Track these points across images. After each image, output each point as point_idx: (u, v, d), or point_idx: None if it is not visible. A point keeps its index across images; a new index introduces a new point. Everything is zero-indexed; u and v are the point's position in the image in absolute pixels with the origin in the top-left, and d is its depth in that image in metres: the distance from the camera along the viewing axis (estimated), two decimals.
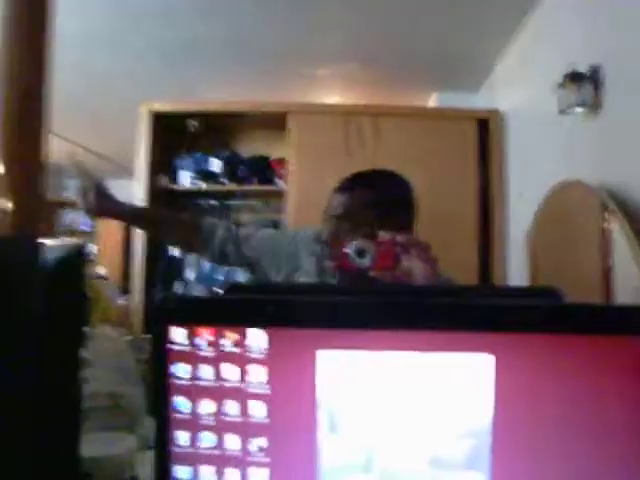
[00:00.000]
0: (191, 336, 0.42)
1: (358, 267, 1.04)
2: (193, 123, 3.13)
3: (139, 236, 3.00)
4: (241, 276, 2.89)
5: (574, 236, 2.02)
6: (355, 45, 2.98)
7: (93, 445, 0.69)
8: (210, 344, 0.42)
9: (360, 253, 1.03)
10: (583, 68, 1.97)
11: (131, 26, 2.77)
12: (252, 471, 0.43)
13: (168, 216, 1.73)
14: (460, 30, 2.77)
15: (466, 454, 0.42)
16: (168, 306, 0.43)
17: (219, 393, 0.42)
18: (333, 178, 2.49)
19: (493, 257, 2.90)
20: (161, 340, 0.42)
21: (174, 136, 3.31)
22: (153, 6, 2.59)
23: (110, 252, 6.51)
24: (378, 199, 1.30)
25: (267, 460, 0.42)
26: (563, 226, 2.11)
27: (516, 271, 2.65)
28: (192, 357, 0.42)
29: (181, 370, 0.42)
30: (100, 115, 4.38)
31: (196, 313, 0.43)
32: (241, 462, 0.43)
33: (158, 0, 2.55)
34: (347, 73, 3.34)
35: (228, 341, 0.42)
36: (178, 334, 0.42)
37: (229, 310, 0.42)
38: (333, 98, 3.73)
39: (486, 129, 3.03)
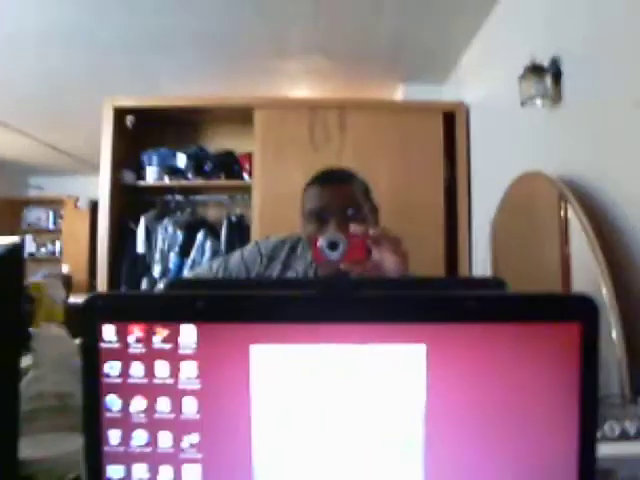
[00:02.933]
0: (121, 333, 0.42)
1: (329, 259, 1.04)
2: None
3: (104, 233, 2.96)
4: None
5: (535, 226, 2.05)
6: (320, 38, 2.97)
7: (38, 446, 0.68)
8: (140, 341, 0.41)
9: (331, 246, 1.04)
10: (544, 60, 2.00)
11: (93, 19, 2.72)
12: (185, 468, 0.42)
13: None
14: (426, 22, 2.78)
15: (400, 444, 0.42)
16: (97, 304, 0.42)
17: (150, 390, 0.42)
18: (299, 172, 2.50)
19: (459, 248, 2.94)
20: (91, 338, 0.42)
21: (139, 131, 3.26)
22: None
23: (75, 250, 6.40)
24: (353, 195, 1.31)
25: (200, 456, 0.42)
26: (525, 217, 2.14)
27: (481, 261, 2.68)
28: (123, 355, 0.42)
29: (112, 368, 0.42)
30: (63, 111, 4.30)
31: (126, 310, 0.42)
32: (174, 459, 0.42)
33: None
34: (313, 67, 3.33)
35: (159, 338, 0.41)
36: (108, 332, 0.42)
37: (159, 306, 0.42)
38: (300, 92, 3.72)
39: (452, 121, 3.06)
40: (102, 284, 2.90)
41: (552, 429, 0.41)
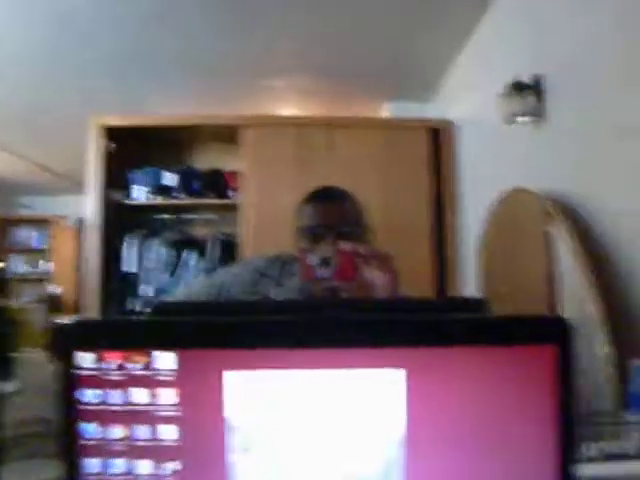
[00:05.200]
0: (98, 360, 0.41)
1: (319, 277, 1.04)
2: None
3: (92, 252, 2.94)
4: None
5: (521, 242, 2.07)
6: (307, 57, 3.00)
7: (21, 474, 0.67)
8: (118, 368, 0.41)
9: (323, 263, 1.04)
10: (527, 78, 2.02)
11: (78, 40, 2.73)
12: None
13: None
14: (411, 40, 2.81)
15: (380, 468, 0.42)
16: (74, 331, 0.42)
17: (128, 417, 0.41)
18: (287, 190, 2.50)
19: (447, 265, 2.95)
20: (67, 365, 0.41)
21: (126, 151, 3.26)
22: (101, 19, 2.55)
23: (64, 269, 6.35)
24: (348, 213, 1.32)
25: None
26: (511, 232, 2.16)
27: (470, 277, 2.69)
28: (100, 381, 0.41)
29: (89, 395, 0.41)
30: (51, 129, 4.30)
31: (103, 337, 0.42)
32: None
33: (106, 13, 2.51)
34: (300, 85, 3.36)
35: (136, 364, 0.41)
36: (85, 359, 0.41)
37: (136, 333, 0.42)
38: (287, 110, 3.74)
39: (438, 138, 3.08)
40: (90, 304, 2.87)
41: (531, 450, 0.42)
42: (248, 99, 3.51)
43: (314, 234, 1.28)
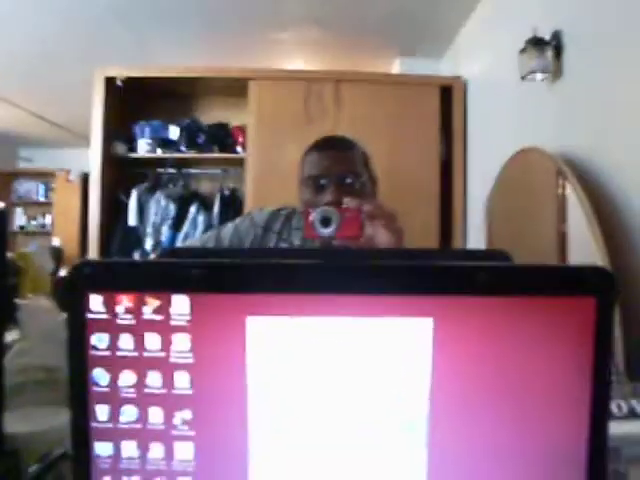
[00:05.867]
0: (109, 303, 0.39)
1: (321, 235, 1.00)
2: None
3: (95, 206, 2.91)
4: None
5: (532, 202, 2.03)
6: (317, 10, 2.90)
7: (24, 421, 0.66)
8: (130, 312, 0.39)
9: (324, 221, 1.00)
10: (545, 34, 1.95)
11: None
12: (177, 446, 0.40)
13: None
14: None
15: (403, 423, 0.40)
16: (84, 272, 0.39)
17: (140, 364, 0.39)
18: (293, 146, 2.45)
19: (454, 222, 2.92)
20: (77, 308, 0.39)
21: (131, 103, 3.19)
22: None
23: (66, 223, 6.34)
24: (353, 162, 1.29)
25: (192, 434, 0.40)
26: (522, 193, 2.12)
27: (475, 236, 2.67)
28: (111, 326, 0.39)
29: (99, 340, 0.39)
30: (55, 82, 4.21)
31: (114, 279, 0.39)
32: (165, 437, 0.40)
33: None
34: (310, 38, 3.26)
35: (149, 308, 0.39)
36: (95, 302, 0.39)
37: (149, 275, 0.39)
38: (296, 64, 3.65)
39: (449, 96, 3.01)
40: (94, 257, 2.86)
41: (563, 408, 0.40)
42: (256, 52, 3.42)
43: (317, 184, 1.25)
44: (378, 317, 0.39)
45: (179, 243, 2.93)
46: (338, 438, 0.40)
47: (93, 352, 0.39)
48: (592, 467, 0.39)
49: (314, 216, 1.00)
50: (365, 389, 0.40)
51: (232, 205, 3.12)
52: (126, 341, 0.39)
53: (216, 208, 3.12)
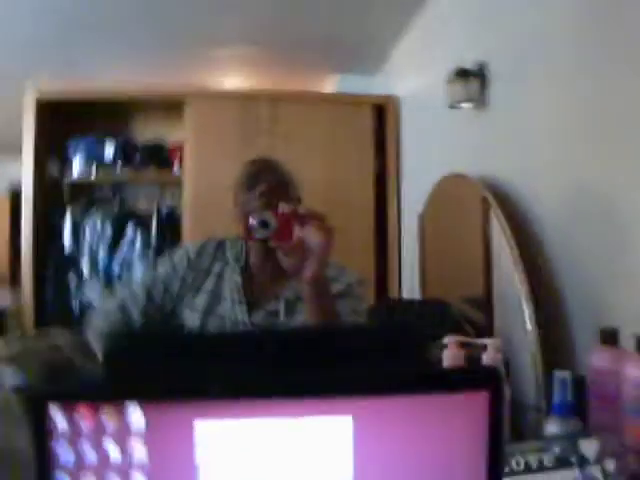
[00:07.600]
0: (69, 414, 0.43)
1: (259, 237, 1.16)
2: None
3: (28, 228, 2.84)
4: (139, 268, 2.83)
5: (459, 224, 2.16)
6: (253, 27, 2.94)
7: None
8: (88, 421, 0.43)
9: (263, 224, 1.14)
10: (470, 64, 2.05)
11: (23, 6, 2.57)
12: None
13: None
14: (357, 12, 2.76)
15: None
16: (46, 385, 0.43)
17: (100, 471, 0.44)
18: (230, 165, 2.48)
19: (388, 241, 3.02)
20: (39, 419, 0.43)
21: (66, 118, 3.11)
22: None
23: None
24: (282, 170, 1.42)
25: None
26: (450, 214, 2.25)
27: (410, 255, 2.77)
28: (71, 435, 0.44)
29: (61, 448, 0.44)
30: None
31: (74, 391, 0.44)
32: None
33: None
34: (246, 56, 3.29)
35: (106, 418, 0.44)
36: (56, 412, 0.43)
37: (105, 388, 0.44)
38: (234, 81, 3.67)
39: (383, 114, 3.11)
40: (27, 281, 2.80)
41: None
42: (194, 68, 3.41)
43: (250, 183, 1.36)
44: (305, 417, 0.45)
45: (116, 266, 2.90)
46: None
47: (55, 459, 0.44)
48: None
49: (252, 220, 1.15)
50: None
51: (170, 224, 3.10)
52: (85, 449, 0.44)
53: (154, 228, 3.08)
